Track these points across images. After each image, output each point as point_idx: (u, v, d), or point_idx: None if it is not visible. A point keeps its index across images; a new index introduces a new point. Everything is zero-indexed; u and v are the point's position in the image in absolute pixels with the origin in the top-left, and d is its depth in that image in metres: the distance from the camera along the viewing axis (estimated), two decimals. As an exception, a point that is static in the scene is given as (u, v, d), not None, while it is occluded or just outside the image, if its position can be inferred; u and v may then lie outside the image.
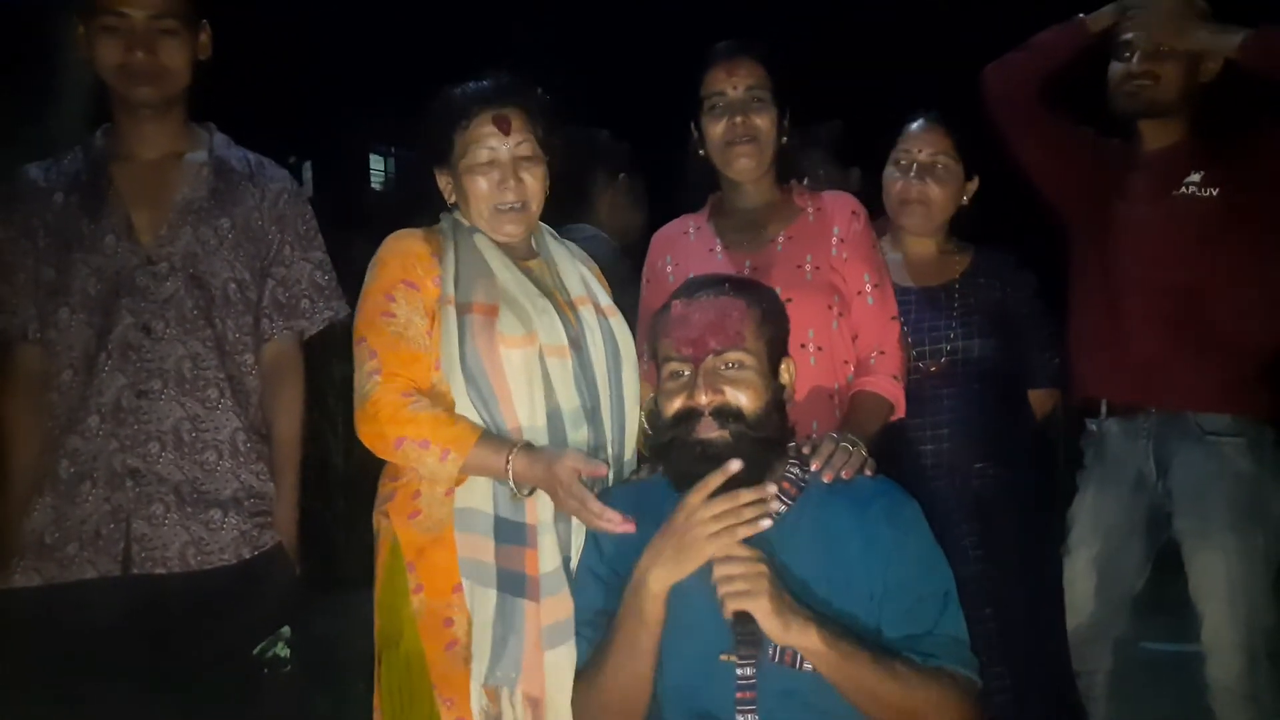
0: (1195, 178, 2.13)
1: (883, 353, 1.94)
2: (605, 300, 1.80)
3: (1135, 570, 2.20)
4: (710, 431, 1.46)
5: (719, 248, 2.00)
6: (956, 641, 1.45)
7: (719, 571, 1.38)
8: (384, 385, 1.61)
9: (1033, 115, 2.27)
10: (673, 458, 1.50)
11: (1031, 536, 2.14)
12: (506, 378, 1.62)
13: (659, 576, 1.40)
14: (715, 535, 1.37)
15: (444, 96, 1.74)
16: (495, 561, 1.59)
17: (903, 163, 2.21)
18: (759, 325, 1.53)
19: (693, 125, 2.04)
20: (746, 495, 1.39)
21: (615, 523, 1.48)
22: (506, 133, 1.69)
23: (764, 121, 1.95)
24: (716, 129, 1.96)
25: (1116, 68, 2.20)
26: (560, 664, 1.57)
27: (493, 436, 1.60)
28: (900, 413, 1.94)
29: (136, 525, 1.74)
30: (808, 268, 1.93)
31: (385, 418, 1.59)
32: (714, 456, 1.43)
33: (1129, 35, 2.16)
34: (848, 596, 1.44)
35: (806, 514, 1.49)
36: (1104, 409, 2.23)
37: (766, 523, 1.39)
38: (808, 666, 1.39)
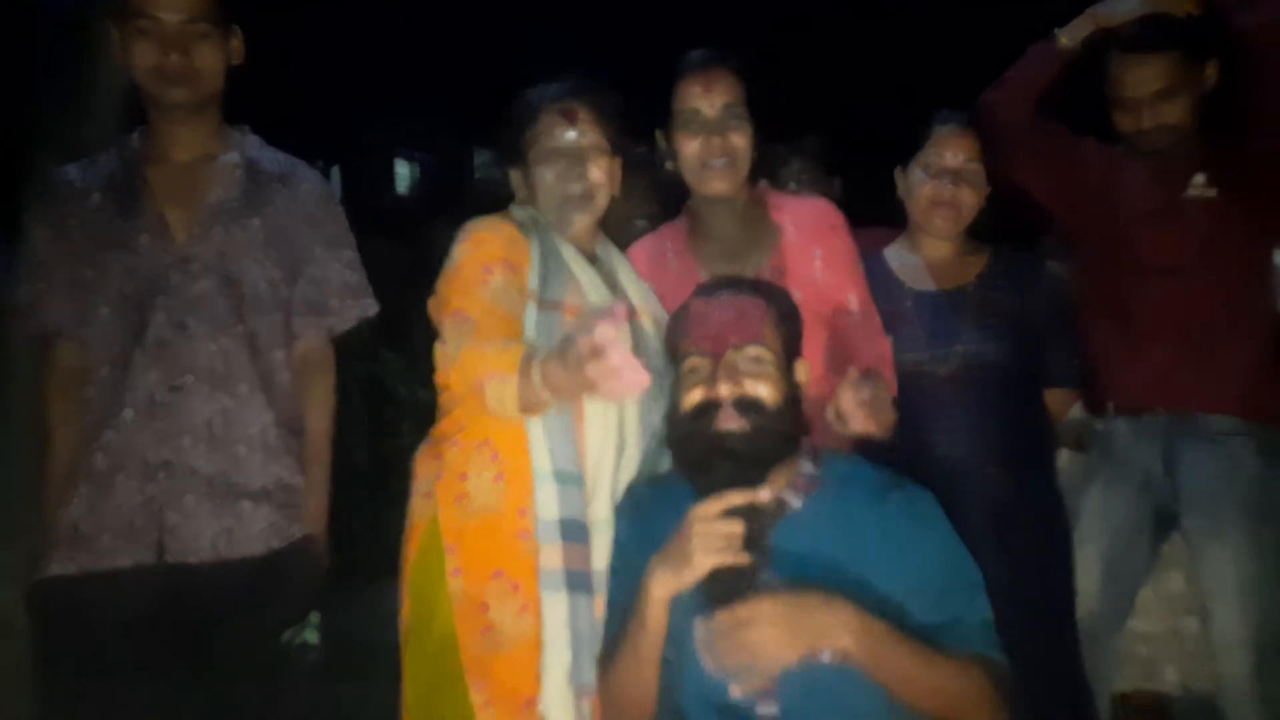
0: (1201, 179, 2.13)
1: (881, 364, 1.91)
2: (660, 313, 1.81)
3: (1141, 568, 2.21)
4: (730, 423, 1.46)
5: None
6: (986, 626, 1.45)
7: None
8: (475, 339, 1.58)
9: (1030, 144, 2.25)
10: (689, 450, 1.50)
11: (1047, 541, 2.11)
12: None
13: (661, 583, 1.41)
14: (718, 550, 1.38)
15: (519, 97, 1.77)
16: (564, 566, 1.58)
17: (934, 166, 2.18)
18: (776, 323, 1.55)
19: (659, 135, 1.94)
20: (737, 498, 1.39)
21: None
22: (571, 122, 1.72)
23: (741, 140, 1.86)
24: (691, 147, 1.87)
25: (1122, 117, 2.17)
26: None
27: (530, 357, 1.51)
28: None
29: (169, 516, 1.78)
30: (795, 295, 1.87)
31: (468, 363, 1.57)
32: (732, 449, 1.44)
33: (1126, 93, 2.14)
34: (866, 590, 1.43)
35: (822, 510, 1.49)
36: (1111, 408, 2.23)
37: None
38: (827, 656, 1.38)
